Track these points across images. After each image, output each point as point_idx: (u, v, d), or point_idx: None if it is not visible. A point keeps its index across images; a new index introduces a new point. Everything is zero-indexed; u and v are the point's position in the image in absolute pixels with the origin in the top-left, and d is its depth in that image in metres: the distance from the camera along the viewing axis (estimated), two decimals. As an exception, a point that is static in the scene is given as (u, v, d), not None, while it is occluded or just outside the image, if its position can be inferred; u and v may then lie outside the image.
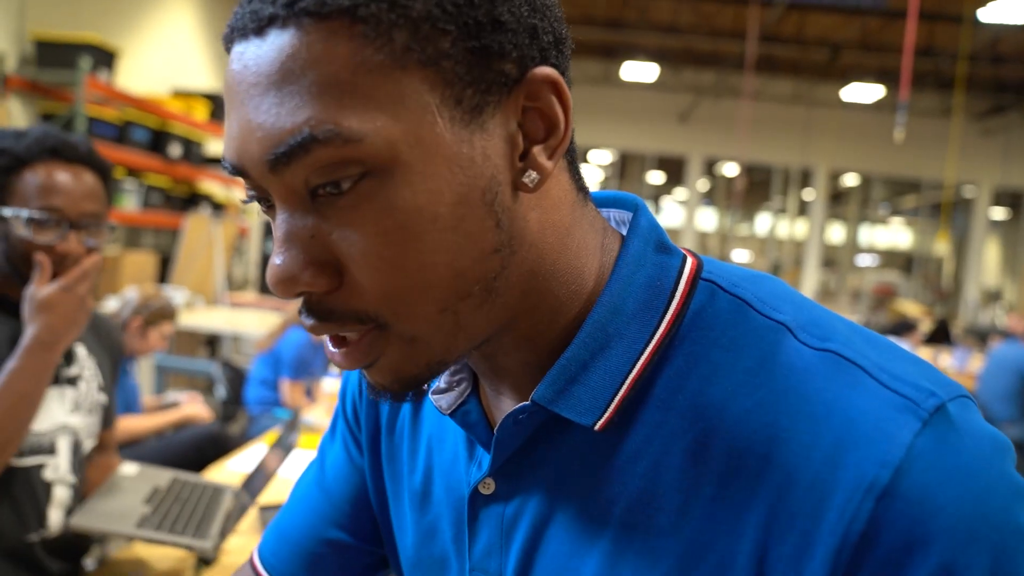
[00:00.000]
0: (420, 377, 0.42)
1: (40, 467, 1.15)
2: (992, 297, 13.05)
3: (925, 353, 6.40)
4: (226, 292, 5.12)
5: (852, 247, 14.08)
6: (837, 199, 14.10)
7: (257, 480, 1.41)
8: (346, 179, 0.37)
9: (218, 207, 6.45)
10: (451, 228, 0.38)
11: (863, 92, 9.79)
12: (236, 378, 3.28)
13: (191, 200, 6.17)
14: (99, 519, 1.22)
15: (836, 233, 14.73)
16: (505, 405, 0.47)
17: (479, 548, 0.48)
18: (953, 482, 0.35)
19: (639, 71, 10.52)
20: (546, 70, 0.41)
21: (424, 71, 0.37)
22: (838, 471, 0.36)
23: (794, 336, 0.41)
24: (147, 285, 2.42)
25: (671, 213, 17.50)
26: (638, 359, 0.42)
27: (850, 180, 13.62)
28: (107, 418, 1.35)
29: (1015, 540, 0.35)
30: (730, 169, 12.80)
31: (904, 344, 5.17)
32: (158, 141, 5.43)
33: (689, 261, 0.45)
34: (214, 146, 6.85)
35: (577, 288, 0.44)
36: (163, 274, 5.32)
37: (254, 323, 4.73)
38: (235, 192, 7.07)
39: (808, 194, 12.80)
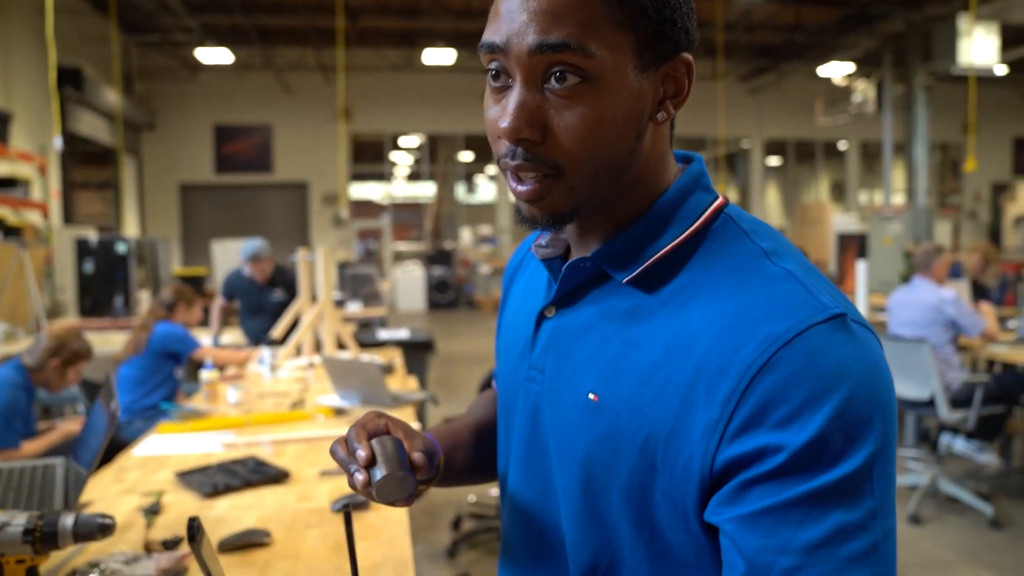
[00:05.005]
0: (563, 215, 0.65)
1: None
2: (775, 236, 14.84)
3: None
4: (44, 320, 4.87)
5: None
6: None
7: (84, 449, 1.61)
8: (571, 78, 0.60)
9: (11, 231, 6.02)
10: (616, 127, 0.62)
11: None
12: (94, 393, 3.34)
13: (-21, 227, 5.72)
14: None
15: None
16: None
17: (537, 351, 0.73)
18: (827, 354, 0.55)
19: (439, 56, 10.82)
20: (687, 56, 0.65)
21: (631, 34, 0.61)
22: (764, 326, 0.56)
23: (767, 257, 0.62)
24: (59, 324, 2.57)
25: (484, 189, 18.07)
26: (662, 249, 0.65)
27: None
28: None
29: (851, 405, 0.54)
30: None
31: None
32: (-65, 168, 5.00)
33: (719, 200, 0.68)
34: None
35: (651, 194, 0.67)
36: (-39, 310, 4.93)
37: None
38: (29, 215, 6.58)
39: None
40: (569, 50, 0.59)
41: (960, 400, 3.63)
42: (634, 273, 0.66)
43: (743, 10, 10.28)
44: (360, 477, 0.68)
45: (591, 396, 0.66)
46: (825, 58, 11.44)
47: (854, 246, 8.76)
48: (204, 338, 4.21)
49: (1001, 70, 9.33)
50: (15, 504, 1.44)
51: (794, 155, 15.07)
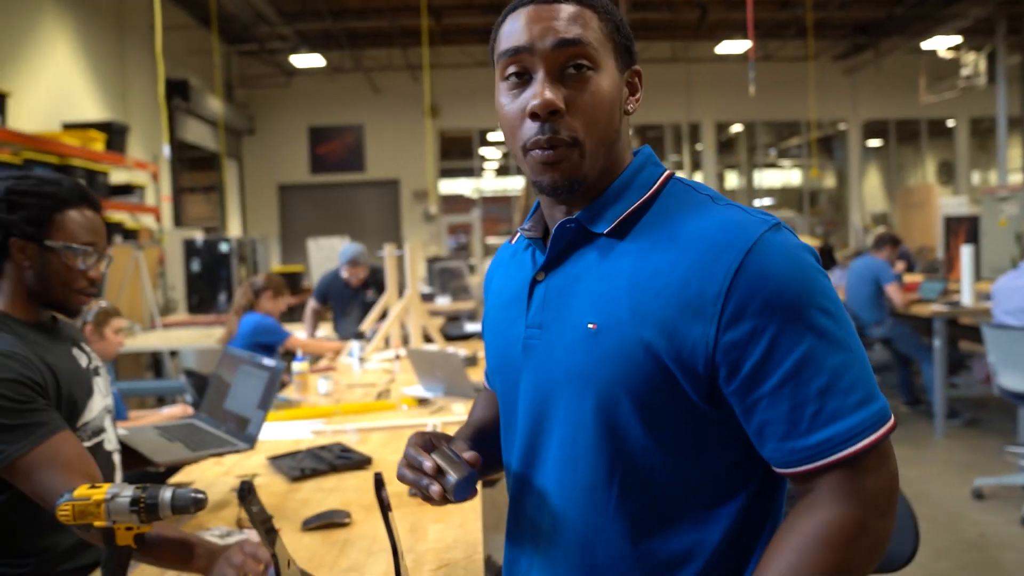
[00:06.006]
0: (576, 179, 0.83)
1: (102, 442, 1.44)
2: (880, 220, 14.10)
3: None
4: (158, 316, 5.24)
5: (749, 191, 14.91)
6: (728, 148, 14.88)
7: (240, 402, 1.84)
8: (583, 68, 0.81)
9: (129, 235, 6.48)
10: (611, 110, 0.83)
11: (734, 46, 10.46)
12: (201, 383, 3.56)
13: (102, 232, 6.19)
14: (169, 455, 1.59)
15: (733, 180, 15.53)
16: None
17: (532, 312, 0.88)
18: (779, 253, 0.75)
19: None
20: (637, 67, 0.89)
21: (612, 43, 0.84)
22: (732, 241, 0.76)
23: (713, 201, 0.83)
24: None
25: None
26: (631, 206, 0.84)
27: (736, 129, 14.41)
28: None
29: (803, 285, 0.75)
30: (624, 133, 13.36)
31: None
32: (61, 178, 5.43)
33: (668, 171, 0.88)
34: (117, 175, 6.84)
35: (616, 171, 0.87)
36: (87, 308, 5.37)
37: (193, 338, 4.89)
38: (144, 219, 7.07)
39: (700, 147, 13.51)
40: (582, 45, 0.80)
41: (1077, 392, 3.39)
42: (611, 225, 0.84)
43: (837, -14, 9.82)
44: (436, 488, 0.80)
45: (590, 326, 0.81)
46: (929, 32, 10.78)
47: (964, 230, 8.24)
48: (298, 332, 4.42)
49: None
50: (200, 442, 1.72)
51: (896, 136, 14.30)
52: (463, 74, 12.24)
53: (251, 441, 1.71)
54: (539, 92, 0.79)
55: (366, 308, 4.71)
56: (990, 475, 3.77)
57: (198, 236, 6.25)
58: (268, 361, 1.83)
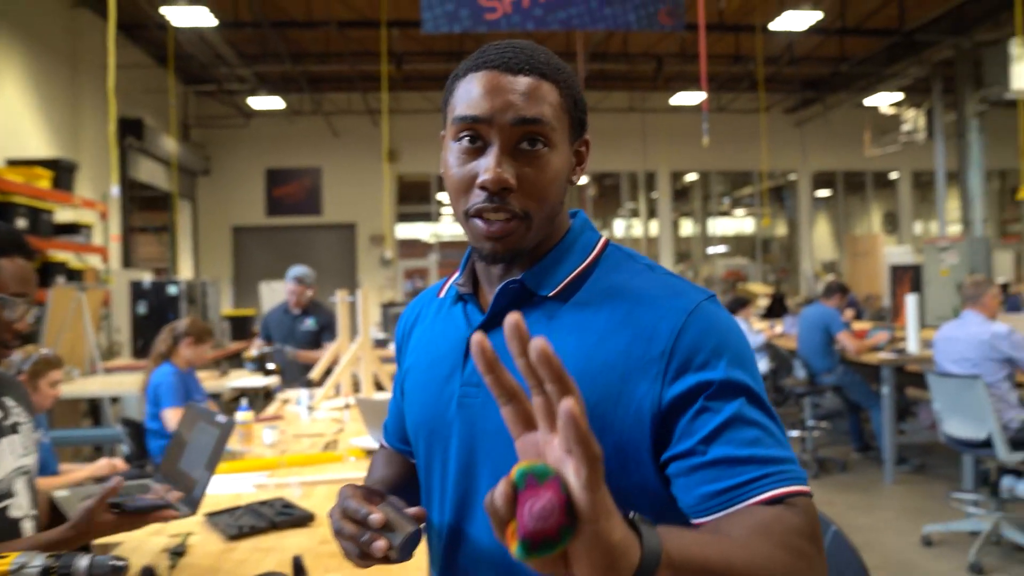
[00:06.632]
0: (518, 251, 0.84)
1: (6, 508, 1.33)
2: (829, 268, 14.47)
3: (762, 324, 7.17)
4: (99, 360, 5.05)
5: (703, 239, 15.17)
6: (683, 196, 15.18)
7: (190, 461, 1.71)
8: (539, 144, 0.81)
9: (73, 275, 6.28)
10: (560, 183, 0.84)
11: (688, 98, 10.76)
12: (138, 433, 3.36)
13: (43, 271, 5.98)
14: None
15: (687, 228, 15.80)
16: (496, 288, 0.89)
17: (468, 370, 0.86)
18: (717, 318, 0.81)
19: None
20: (586, 138, 0.89)
21: (568, 117, 0.84)
22: (674, 305, 0.80)
23: (651, 269, 0.86)
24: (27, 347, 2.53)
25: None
26: (574, 270, 0.86)
27: (691, 177, 14.74)
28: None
29: (737, 350, 0.79)
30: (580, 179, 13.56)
31: (739, 318, 5.84)
32: (1, 215, 5.26)
33: (604, 238, 0.91)
34: (62, 214, 6.66)
35: (558, 235, 0.89)
36: (25, 352, 5.14)
37: (137, 383, 4.71)
38: (90, 259, 6.87)
39: (655, 195, 13.75)
40: (541, 124, 0.80)
41: (1021, 440, 3.47)
42: (556, 289, 0.86)
43: (785, 43, 10.23)
44: (381, 543, 0.74)
45: None
46: (872, 88, 11.26)
47: (908, 278, 8.49)
48: (240, 380, 4.26)
49: (1058, 95, 9.03)
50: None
51: (843, 186, 14.79)
52: (422, 119, 12.33)
53: (194, 505, 1.59)
54: (491, 167, 0.79)
55: (304, 337, 4.66)
56: (938, 521, 3.82)
57: (146, 277, 6.08)
58: (220, 417, 1.73)
